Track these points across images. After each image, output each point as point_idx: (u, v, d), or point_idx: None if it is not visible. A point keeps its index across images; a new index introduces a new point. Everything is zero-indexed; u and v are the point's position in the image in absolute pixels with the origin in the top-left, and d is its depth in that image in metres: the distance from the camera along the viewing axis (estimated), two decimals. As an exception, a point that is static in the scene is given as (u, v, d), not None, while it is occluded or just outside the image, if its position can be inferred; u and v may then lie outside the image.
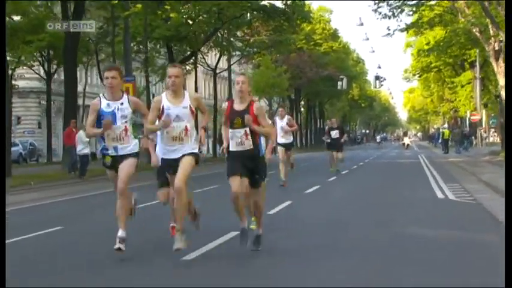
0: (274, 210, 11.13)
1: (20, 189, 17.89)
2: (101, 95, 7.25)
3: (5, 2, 16.94)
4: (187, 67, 39.95)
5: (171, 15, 31.95)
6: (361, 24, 47.87)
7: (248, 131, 7.28)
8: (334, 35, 67.79)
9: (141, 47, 35.03)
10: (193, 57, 38.52)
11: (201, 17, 34.71)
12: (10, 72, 34.74)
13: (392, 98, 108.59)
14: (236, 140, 7.27)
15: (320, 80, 66.29)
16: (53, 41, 30.82)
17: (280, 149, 16.07)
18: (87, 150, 21.78)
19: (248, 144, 7.26)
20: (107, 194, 13.30)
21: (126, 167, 7.15)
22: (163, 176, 7.63)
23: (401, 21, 36.14)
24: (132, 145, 7.25)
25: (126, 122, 7.14)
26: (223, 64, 46.96)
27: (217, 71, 44.52)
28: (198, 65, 41.46)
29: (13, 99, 35.13)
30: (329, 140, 22.88)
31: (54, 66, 35.35)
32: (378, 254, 7.10)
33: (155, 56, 37.25)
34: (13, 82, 34.65)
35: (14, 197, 15.37)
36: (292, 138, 16.41)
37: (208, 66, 44.44)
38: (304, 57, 61.97)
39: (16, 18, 31.63)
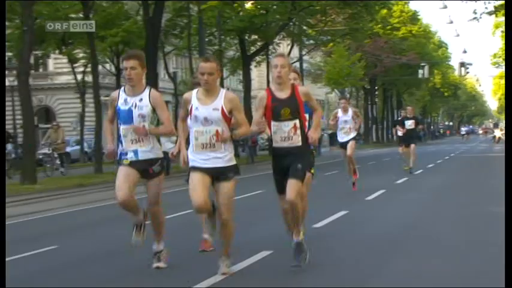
0: (322, 222, 10.25)
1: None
2: (122, 87, 7.13)
3: (5, 2, 17.84)
4: (257, 58, 43.12)
5: (247, 6, 35.18)
6: (445, 7, 49.94)
7: (298, 124, 6.94)
8: (413, 18, 69.89)
9: (212, 38, 38.43)
10: (265, 49, 41.64)
11: (275, 6, 37.75)
12: (82, 68, 38.75)
13: (480, 85, 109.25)
14: (282, 134, 6.93)
15: (398, 68, 68.61)
16: (126, 36, 34.47)
17: (342, 150, 15.75)
18: (171, 145, 25.18)
19: (297, 140, 6.93)
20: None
21: (153, 188, 7.17)
22: None
23: (489, 3, 38.13)
24: (154, 148, 7.07)
25: (144, 120, 6.94)
26: (294, 54, 49.98)
27: (290, 62, 47.51)
28: (270, 56, 44.62)
29: (86, 95, 39.05)
30: (401, 134, 22.28)
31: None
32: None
33: (226, 48, 40.53)
34: (85, 79, 38.56)
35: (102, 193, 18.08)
36: (354, 133, 15.70)
37: (279, 56, 47.50)
38: (380, 43, 64.33)
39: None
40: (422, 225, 10.08)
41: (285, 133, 6.89)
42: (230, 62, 42.80)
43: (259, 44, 41.16)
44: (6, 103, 29.29)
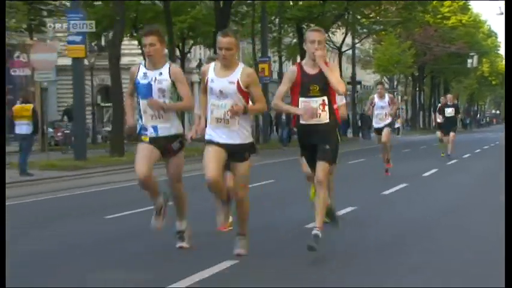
0: (389, 190, 12.63)
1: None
2: (141, 61, 7.09)
3: (5, 2, 18.03)
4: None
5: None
6: (502, 13, 51.60)
7: (326, 100, 6.84)
8: (463, 8, 71.31)
9: (271, 26, 40.91)
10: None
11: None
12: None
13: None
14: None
15: (447, 56, 70.22)
16: (193, 22, 37.13)
17: (377, 136, 15.87)
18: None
19: (325, 117, 6.83)
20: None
21: (173, 167, 7.04)
22: None
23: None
24: (175, 124, 6.98)
25: (164, 95, 6.84)
26: (347, 41, 52.20)
27: (343, 50, 49.83)
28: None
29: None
30: (439, 120, 22.69)
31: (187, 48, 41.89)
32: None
33: (284, 35, 42.99)
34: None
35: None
36: (390, 119, 15.63)
37: (334, 44, 49.83)
38: (430, 32, 65.98)
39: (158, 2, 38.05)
40: (459, 211, 10.42)
41: (314, 110, 6.77)
42: (287, 49, 45.19)
43: (315, 32, 43.37)
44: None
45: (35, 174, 17.53)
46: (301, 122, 6.83)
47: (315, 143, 6.84)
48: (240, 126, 6.58)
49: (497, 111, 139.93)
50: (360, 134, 50.15)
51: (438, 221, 9.45)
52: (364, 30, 50.27)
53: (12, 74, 27.24)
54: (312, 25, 43.04)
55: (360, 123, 51.22)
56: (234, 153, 6.61)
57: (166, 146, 6.93)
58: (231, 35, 6.53)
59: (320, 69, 6.74)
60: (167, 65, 6.90)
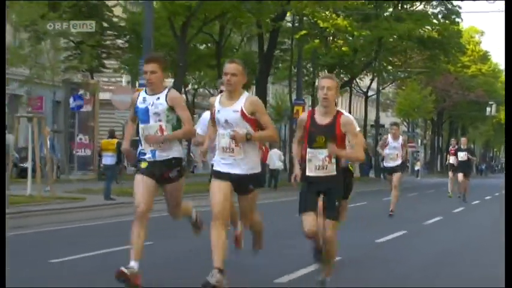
0: (384, 238, 11.77)
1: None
2: (144, 89, 7.12)
3: (5, 2, 18.48)
4: (342, 90, 48.64)
5: (343, 48, 40.66)
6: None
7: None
8: (484, 57, 74.35)
9: (304, 71, 43.96)
10: (350, 82, 47.05)
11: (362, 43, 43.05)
12: (193, 92, 44.62)
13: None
14: (316, 162, 6.72)
15: (465, 103, 73.12)
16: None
17: (388, 176, 16.16)
18: (280, 163, 30.60)
19: (331, 169, 6.73)
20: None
21: (170, 194, 7.05)
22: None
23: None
24: (174, 148, 6.95)
25: (160, 120, 6.88)
26: (373, 86, 55.23)
27: (369, 94, 52.81)
28: (353, 89, 49.97)
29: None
30: (451, 161, 23.13)
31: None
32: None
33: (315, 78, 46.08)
34: (195, 100, 44.52)
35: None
36: (400, 160, 15.75)
37: (360, 89, 52.85)
38: (450, 80, 68.99)
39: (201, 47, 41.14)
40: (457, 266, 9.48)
41: (320, 161, 6.68)
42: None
43: (345, 78, 46.48)
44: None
45: (116, 199, 20.30)
46: (308, 173, 6.76)
47: (322, 190, 6.76)
48: (246, 155, 6.61)
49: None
50: (382, 176, 52.73)
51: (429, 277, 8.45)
52: (390, 76, 53.22)
53: (76, 110, 30.29)
54: (342, 71, 46.13)
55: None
56: (239, 184, 6.67)
57: (163, 172, 6.92)
58: (238, 63, 6.68)
59: (332, 119, 6.70)
60: (165, 90, 6.95)
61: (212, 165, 7.08)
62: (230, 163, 6.65)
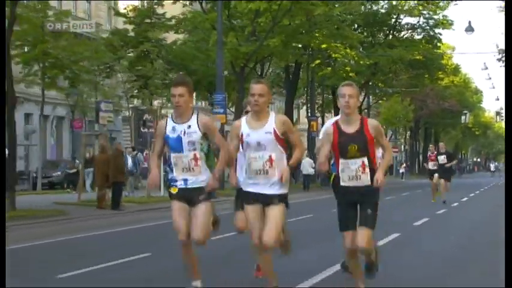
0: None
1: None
2: (169, 115, 7.08)
3: (5, 2, 19.08)
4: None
5: (350, 74, 49.30)
6: (486, 68, 64.02)
7: (367, 162, 6.68)
8: (455, 70, 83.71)
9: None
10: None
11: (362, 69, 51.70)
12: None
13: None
14: (349, 173, 6.68)
15: (440, 112, 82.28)
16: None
17: None
18: (311, 170, 39.02)
19: (365, 180, 6.67)
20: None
21: (199, 216, 6.95)
22: (242, 202, 7.15)
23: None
24: (205, 176, 6.95)
25: (194, 149, 6.87)
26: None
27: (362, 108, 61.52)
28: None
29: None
30: (431, 167, 24.05)
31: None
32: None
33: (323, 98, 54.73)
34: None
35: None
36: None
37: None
38: (427, 91, 78.13)
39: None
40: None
41: (353, 172, 6.68)
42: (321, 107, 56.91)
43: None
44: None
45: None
46: (342, 184, 6.77)
47: (357, 201, 6.76)
48: (278, 175, 6.70)
49: (478, 159, 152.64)
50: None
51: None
52: (381, 93, 62.15)
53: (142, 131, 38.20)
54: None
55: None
56: (268, 202, 6.76)
57: (194, 196, 6.98)
58: (264, 83, 6.76)
59: (359, 127, 6.65)
60: (194, 116, 6.92)
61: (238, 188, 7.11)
62: (262, 184, 6.74)
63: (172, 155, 7.00)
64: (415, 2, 51.96)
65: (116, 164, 21.95)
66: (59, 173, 38.06)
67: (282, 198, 6.81)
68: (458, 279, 8.69)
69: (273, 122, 6.72)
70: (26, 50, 31.10)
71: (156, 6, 40.97)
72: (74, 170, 36.38)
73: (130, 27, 40.58)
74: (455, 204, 24.25)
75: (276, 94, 52.81)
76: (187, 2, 38.95)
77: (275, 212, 6.75)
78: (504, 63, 40.28)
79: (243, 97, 38.79)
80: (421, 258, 10.62)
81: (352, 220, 6.81)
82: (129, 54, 40.28)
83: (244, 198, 6.94)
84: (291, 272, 8.41)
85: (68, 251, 12.07)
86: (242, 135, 6.75)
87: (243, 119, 6.87)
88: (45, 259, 10.96)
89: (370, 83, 56.03)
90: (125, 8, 41.75)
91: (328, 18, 36.58)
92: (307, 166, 39.02)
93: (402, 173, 70.77)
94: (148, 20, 40.91)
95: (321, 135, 7.46)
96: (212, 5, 35.78)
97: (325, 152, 6.78)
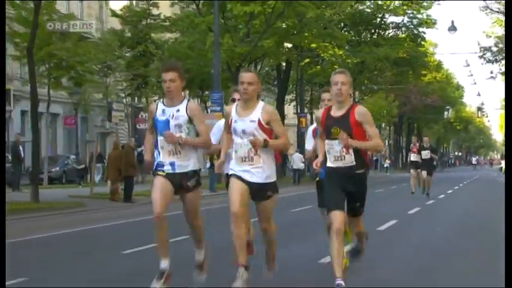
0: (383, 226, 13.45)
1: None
2: (161, 99, 7.23)
3: (4, 1, 19.12)
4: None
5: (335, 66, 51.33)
6: (468, 65, 66.34)
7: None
8: (438, 66, 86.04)
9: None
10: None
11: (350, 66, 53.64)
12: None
13: (489, 120, 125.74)
14: (334, 154, 6.95)
15: (423, 107, 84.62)
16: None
17: None
18: (301, 165, 41.05)
19: (349, 160, 6.90)
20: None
21: (189, 204, 7.17)
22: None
23: (503, 65, 54.14)
24: (193, 160, 7.10)
25: (181, 132, 7.02)
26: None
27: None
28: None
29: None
30: (412, 159, 24.36)
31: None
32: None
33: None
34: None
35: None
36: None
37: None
38: (410, 87, 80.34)
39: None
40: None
41: (337, 152, 6.91)
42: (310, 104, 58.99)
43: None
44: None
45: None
46: (328, 164, 7.00)
47: (344, 185, 6.93)
48: (263, 164, 6.89)
49: (459, 153, 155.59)
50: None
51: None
52: (366, 89, 64.28)
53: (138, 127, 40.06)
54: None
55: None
56: (257, 192, 6.95)
57: (182, 182, 7.08)
58: (254, 72, 7.06)
59: (346, 111, 6.87)
60: (185, 101, 7.09)
61: (227, 175, 7.24)
62: (248, 172, 6.90)
63: (159, 138, 7.17)
64: (400, 1, 54.13)
65: (128, 159, 23.72)
66: (57, 168, 39.66)
67: (273, 189, 7.06)
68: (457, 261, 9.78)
69: (259, 111, 6.93)
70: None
71: (151, 8, 42.85)
72: (83, 166, 38.24)
73: (126, 27, 42.41)
74: (442, 196, 25.72)
75: (267, 91, 54.84)
76: (184, 4, 40.72)
77: (265, 207, 7.09)
78: (505, 65, 41.69)
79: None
80: (418, 240, 12.18)
81: (341, 200, 6.97)
82: (126, 54, 42.15)
83: (232, 175, 7.05)
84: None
85: (89, 240, 13.24)
86: (231, 120, 7.04)
87: (234, 105, 7.15)
88: (71, 247, 12.17)
89: (356, 81, 58.11)
90: (122, 9, 43.54)
91: (318, 19, 38.44)
92: (297, 161, 41.04)
93: (387, 167, 72.97)
94: (144, 21, 42.79)
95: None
96: (208, 7, 37.59)
97: (321, 131, 7.15)
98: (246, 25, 37.44)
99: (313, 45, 44.02)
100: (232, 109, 7.06)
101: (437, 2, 54.80)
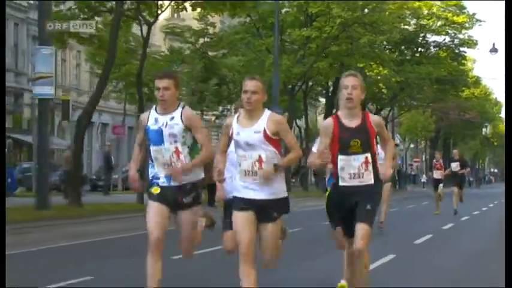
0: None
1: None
2: (153, 107, 6.98)
3: (5, 1, 19.19)
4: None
5: (383, 90, 55.64)
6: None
7: (370, 158, 6.44)
8: (476, 82, 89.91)
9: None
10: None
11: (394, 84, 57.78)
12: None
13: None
14: (351, 170, 6.45)
15: (461, 123, 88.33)
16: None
17: None
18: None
19: (368, 178, 6.44)
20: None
21: (184, 223, 6.93)
22: (230, 222, 6.72)
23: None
24: (190, 174, 6.81)
25: (176, 141, 6.76)
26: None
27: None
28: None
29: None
30: (435, 176, 23.72)
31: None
32: None
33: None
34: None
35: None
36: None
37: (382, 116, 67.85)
38: (448, 103, 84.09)
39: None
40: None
41: (355, 169, 6.43)
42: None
43: (373, 108, 61.34)
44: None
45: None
46: (340, 183, 6.50)
47: (355, 201, 6.46)
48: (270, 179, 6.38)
49: (495, 170, 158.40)
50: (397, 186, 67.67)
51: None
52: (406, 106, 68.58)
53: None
54: (372, 103, 60.89)
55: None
56: (262, 211, 6.42)
57: (177, 198, 6.86)
58: (258, 80, 6.47)
59: (361, 121, 6.43)
60: (179, 109, 6.85)
61: (230, 206, 6.87)
62: (253, 188, 6.40)
63: (152, 148, 6.91)
64: (442, 22, 58.32)
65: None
66: (116, 176, 44.07)
67: (280, 207, 6.53)
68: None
69: (264, 121, 6.41)
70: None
71: (208, 27, 47.52)
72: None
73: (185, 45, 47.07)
74: (476, 212, 25.88)
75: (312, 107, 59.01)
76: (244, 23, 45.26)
77: (268, 233, 6.53)
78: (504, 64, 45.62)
79: (295, 115, 45.06)
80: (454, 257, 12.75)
81: (352, 225, 6.55)
82: (185, 70, 46.76)
83: (235, 205, 6.52)
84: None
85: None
86: (232, 132, 6.52)
87: (235, 116, 6.63)
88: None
89: (397, 98, 62.35)
90: (175, 28, 48.24)
91: (370, 44, 42.86)
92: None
93: (424, 182, 76.78)
94: (201, 40, 47.49)
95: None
96: (267, 30, 42.17)
97: (326, 143, 6.54)
98: (302, 47, 41.91)
99: (361, 64, 48.33)
100: (234, 120, 6.57)
101: (478, 23, 58.69)
